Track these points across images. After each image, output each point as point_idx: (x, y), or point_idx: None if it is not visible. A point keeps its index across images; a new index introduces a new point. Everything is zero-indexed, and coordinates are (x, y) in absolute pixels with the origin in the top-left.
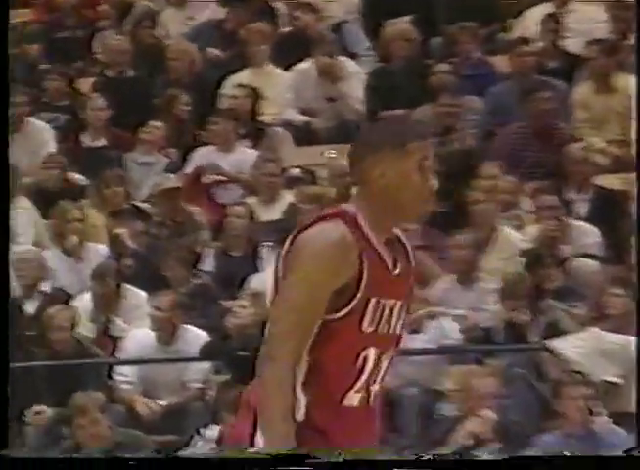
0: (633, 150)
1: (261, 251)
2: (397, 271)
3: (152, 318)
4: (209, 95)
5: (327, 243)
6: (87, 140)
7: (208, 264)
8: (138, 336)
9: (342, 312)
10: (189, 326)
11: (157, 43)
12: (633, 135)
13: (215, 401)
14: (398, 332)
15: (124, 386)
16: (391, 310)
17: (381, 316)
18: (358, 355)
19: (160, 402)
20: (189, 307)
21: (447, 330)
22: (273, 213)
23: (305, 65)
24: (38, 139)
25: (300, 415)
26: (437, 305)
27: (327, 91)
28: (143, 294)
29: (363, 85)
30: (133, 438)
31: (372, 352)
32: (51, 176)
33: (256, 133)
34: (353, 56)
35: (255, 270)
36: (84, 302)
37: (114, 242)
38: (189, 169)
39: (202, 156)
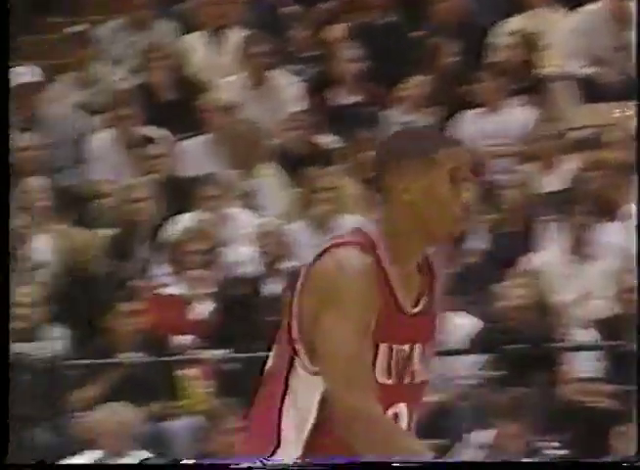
0: None
1: (539, 226)
2: (418, 308)
3: None
4: (479, 44)
5: (352, 274)
6: (338, 96)
7: (477, 242)
8: None
9: None
10: (453, 313)
11: None
12: None
13: (486, 402)
14: (423, 379)
15: None
16: (409, 357)
17: (397, 365)
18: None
19: None
20: (454, 292)
21: None
22: (553, 183)
23: (595, 6)
24: (282, 95)
25: None
26: None
27: (621, 38)
28: None
29: None
30: None
31: (403, 409)
32: (297, 138)
33: (534, 89)
34: None
35: (532, 249)
36: None
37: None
38: (454, 135)
39: (468, 121)
